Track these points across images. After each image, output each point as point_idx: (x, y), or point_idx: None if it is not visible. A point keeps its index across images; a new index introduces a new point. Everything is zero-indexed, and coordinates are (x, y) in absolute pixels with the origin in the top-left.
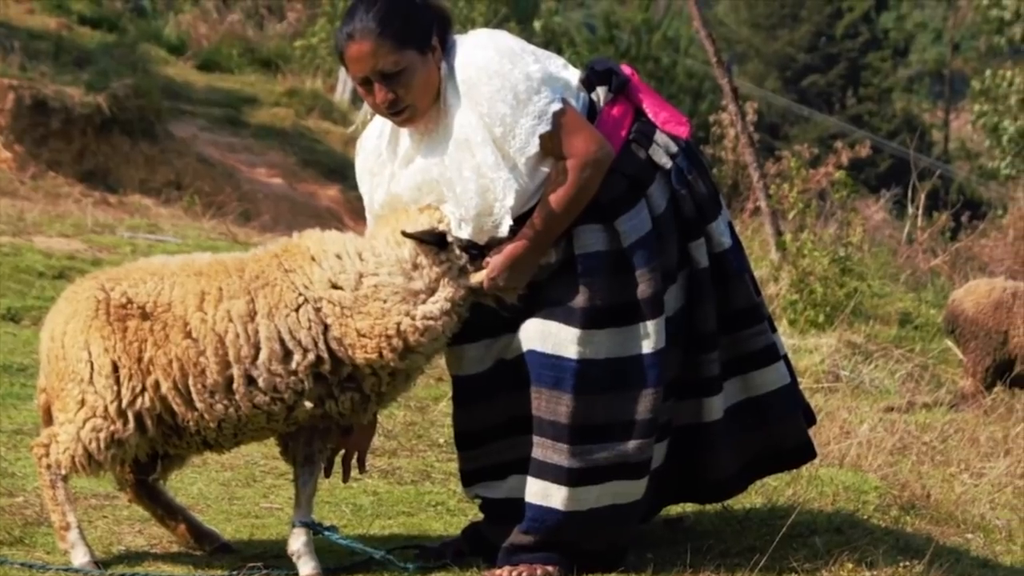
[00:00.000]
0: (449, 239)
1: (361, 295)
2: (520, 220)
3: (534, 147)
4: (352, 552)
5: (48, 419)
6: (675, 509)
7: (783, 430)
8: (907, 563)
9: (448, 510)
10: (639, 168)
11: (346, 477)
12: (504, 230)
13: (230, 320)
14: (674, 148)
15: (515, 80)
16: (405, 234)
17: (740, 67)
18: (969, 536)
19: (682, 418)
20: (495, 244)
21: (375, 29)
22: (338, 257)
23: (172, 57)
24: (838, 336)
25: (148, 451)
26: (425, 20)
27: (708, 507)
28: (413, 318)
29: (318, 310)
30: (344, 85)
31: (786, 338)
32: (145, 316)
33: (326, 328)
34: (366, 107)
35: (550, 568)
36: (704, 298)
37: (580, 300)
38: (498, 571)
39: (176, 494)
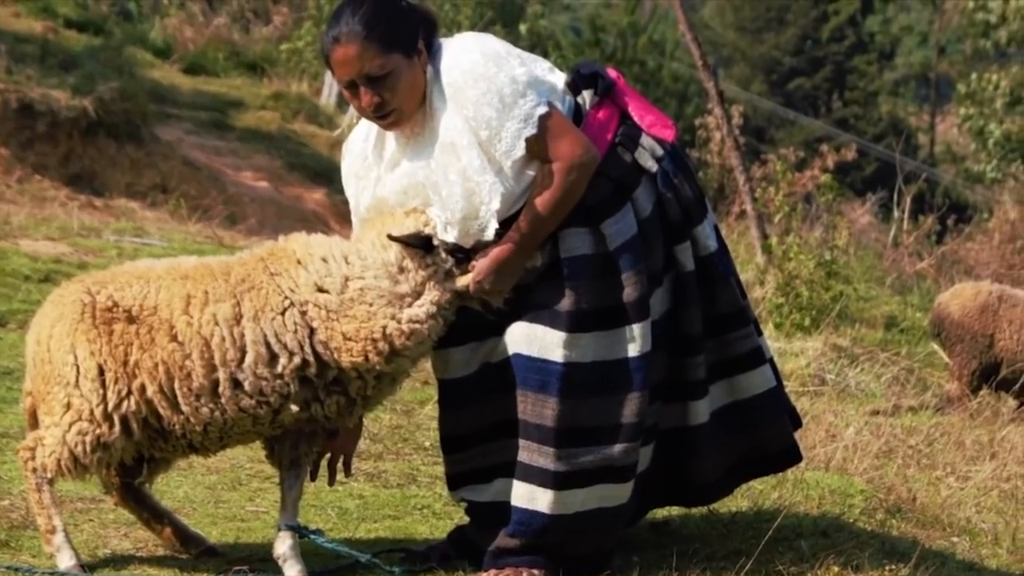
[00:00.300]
0: (435, 242)
1: (347, 298)
2: (506, 224)
3: (520, 150)
4: (338, 555)
5: (34, 422)
6: (661, 512)
7: (769, 433)
8: (893, 566)
9: (434, 513)
10: (625, 171)
11: (332, 480)
12: (490, 233)
13: (216, 323)
14: (660, 151)
15: (501, 83)
16: (391, 237)
17: (726, 70)
18: (955, 539)
19: (668, 422)
20: (481, 247)
21: (361, 32)
22: (324, 260)
23: (158, 60)
24: (824, 339)
25: (134, 454)
26: (411, 23)
27: (694, 510)
28: (399, 321)
29: (304, 313)
30: (330, 88)
31: (772, 341)
32: (131, 319)
33: (312, 331)
34: (352, 110)
35: (536, 571)
36: (690, 301)
37: (566, 303)
38: (484, 574)
39: (162, 497)
